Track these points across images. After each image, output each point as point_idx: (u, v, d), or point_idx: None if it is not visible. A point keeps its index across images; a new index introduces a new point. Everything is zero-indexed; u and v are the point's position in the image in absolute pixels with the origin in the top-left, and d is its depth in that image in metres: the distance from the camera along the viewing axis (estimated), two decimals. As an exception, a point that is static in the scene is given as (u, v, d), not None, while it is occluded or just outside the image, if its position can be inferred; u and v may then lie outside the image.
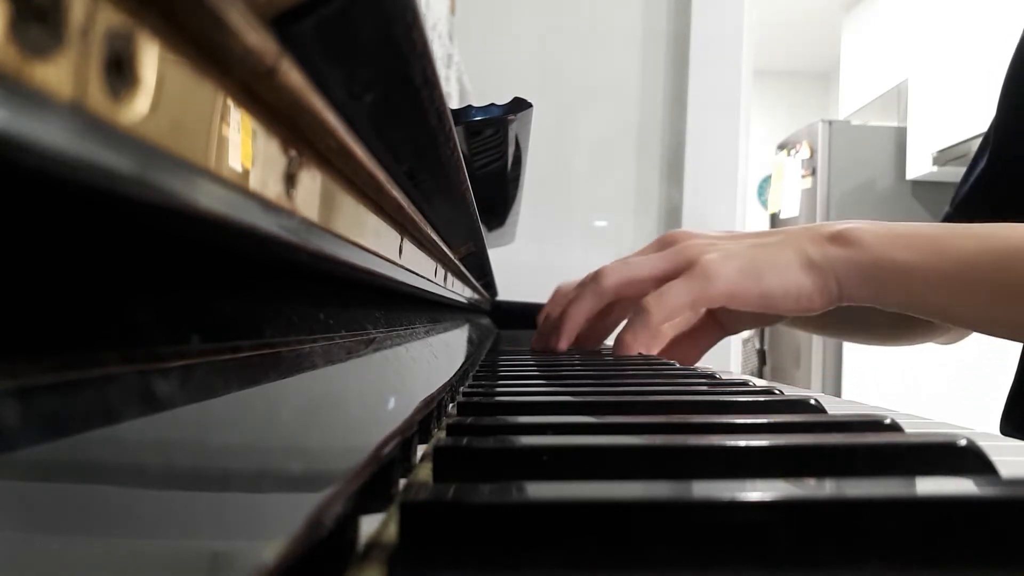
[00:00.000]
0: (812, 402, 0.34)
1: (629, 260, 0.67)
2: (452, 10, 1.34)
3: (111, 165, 0.09)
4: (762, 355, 3.91)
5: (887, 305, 0.58)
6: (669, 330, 0.75)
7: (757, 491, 0.16)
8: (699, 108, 1.69)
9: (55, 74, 0.07)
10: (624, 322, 0.66)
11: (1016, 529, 0.15)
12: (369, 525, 0.17)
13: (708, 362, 0.69)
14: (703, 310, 0.73)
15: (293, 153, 0.15)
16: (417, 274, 0.35)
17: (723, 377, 0.49)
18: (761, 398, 0.35)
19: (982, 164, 0.77)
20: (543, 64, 1.72)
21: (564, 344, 0.68)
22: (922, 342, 0.82)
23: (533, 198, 1.54)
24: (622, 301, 0.68)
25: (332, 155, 0.18)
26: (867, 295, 0.58)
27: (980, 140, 0.80)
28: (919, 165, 3.31)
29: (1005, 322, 0.55)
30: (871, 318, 0.73)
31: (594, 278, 0.67)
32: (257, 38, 0.12)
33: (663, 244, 0.66)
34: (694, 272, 0.60)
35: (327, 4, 0.14)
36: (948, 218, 0.78)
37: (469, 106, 0.58)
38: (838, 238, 0.58)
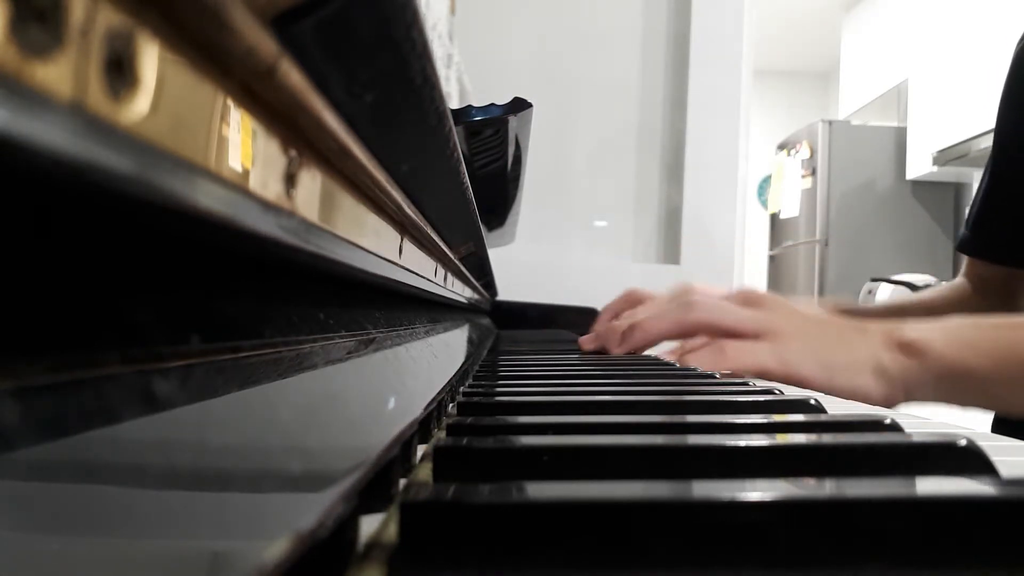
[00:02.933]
0: (812, 402, 0.34)
1: (721, 304, 0.68)
2: (452, 10, 1.34)
3: (111, 165, 0.09)
4: (762, 355, 3.90)
5: (963, 405, 0.63)
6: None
7: (757, 491, 0.16)
8: (699, 108, 1.68)
9: (55, 74, 0.07)
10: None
11: (1016, 529, 0.15)
12: (369, 525, 0.17)
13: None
14: None
15: (293, 153, 0.15)
16: (417, 274, 0.35)
17: (723, 377, 0.49)
18: (761, 398, 0.35)
19: (987, 182, 0.78)
20: (543, 64, 1.72)
21: (624, 351, 0.70)
22: None
23: (533, 198, 1.54)
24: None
25: (332, 155, 0.18)
26: (939, 398, 0.62)
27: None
28: (919, 165, 3.31)
29: None
30: None
31: (685, 307, 0.69)
32: (257, 38, 0.12)
33: (748, 301, 0.69)
34: (773, 346, 0.63)
35: (327, 4, 0.14)
36: (965, 240, 0.80)
37: (469, 106, 0.58)
38: (908, 348, 0.61)
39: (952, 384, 0.60)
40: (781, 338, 0.64)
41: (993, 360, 0.59)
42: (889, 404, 0.61)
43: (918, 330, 0.62)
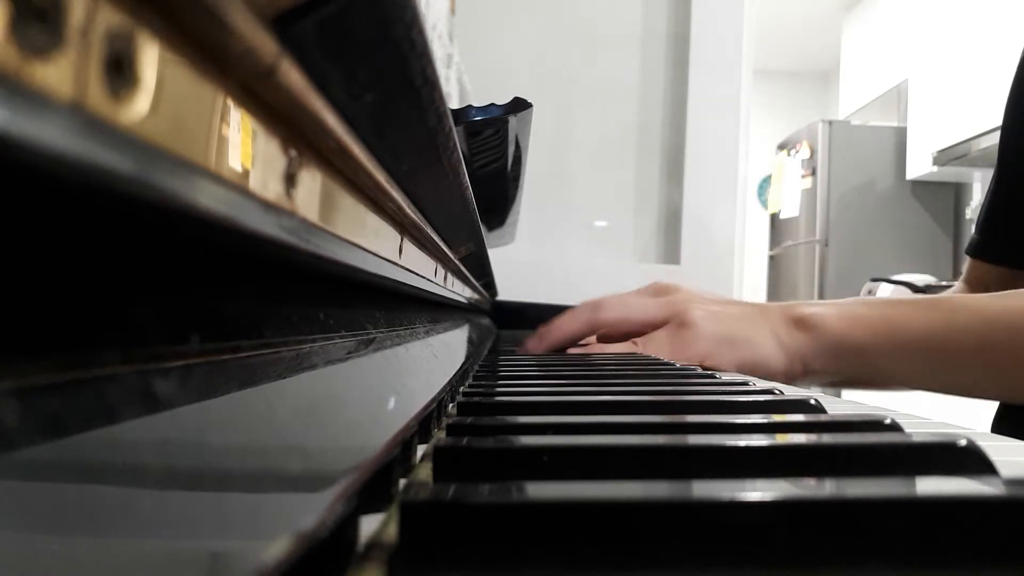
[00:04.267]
0: (812, 402, 0.34)
1: (626, 299, 0.76)
2: (452, 10, 1.34)
3: (111, 165, 0.09)
4: (762, 355, 3.90)
5: (848, 376, 0.68)
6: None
7: (757, 491, 0.16)
8: (699, 108, 1.68)
9: (55, 74, 0.07)
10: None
11: (1016, 529, 0.15)
12: (369, 525, 0.17)
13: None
14: None
15: (293, 153, 0.15)
16: (417, 274, 0.35)
17: (723, 377, 0.49)
18: (761, 398, 0.35)
19: (994, 185, 0.78)
20: (543, 64, 1.72)
21: (541, 351, 0.76)
22: None
23: (533, 198, 1.54)
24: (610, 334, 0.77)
25: (332, 155, 0.18)
26: (830, 369, 0.67)
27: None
28: (919, 165, 3.31)
29: (955, 387, 0.63)
30: None
31: (592, 307, 0.76)
32: (257, 38, 0.12)
33: (657, 291, 0.76)
34: (679, 330, 0.70)
35: (327, 4, 0.14)
36: (975, 244, 0.81)
37: (469, 106, 0.58)
38: (802, 322, 0.67)
39: (839, 356, 0.65)
40: (687, 321, 0.69)
41: (876, 334, 0.63)
42: (789, 376, 0.67)
43: (813, 307, 0.67)
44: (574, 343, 0.77)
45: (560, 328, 0.75)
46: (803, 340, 0.66)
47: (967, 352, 0.59)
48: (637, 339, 0.72)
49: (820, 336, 0.65)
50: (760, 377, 0.67)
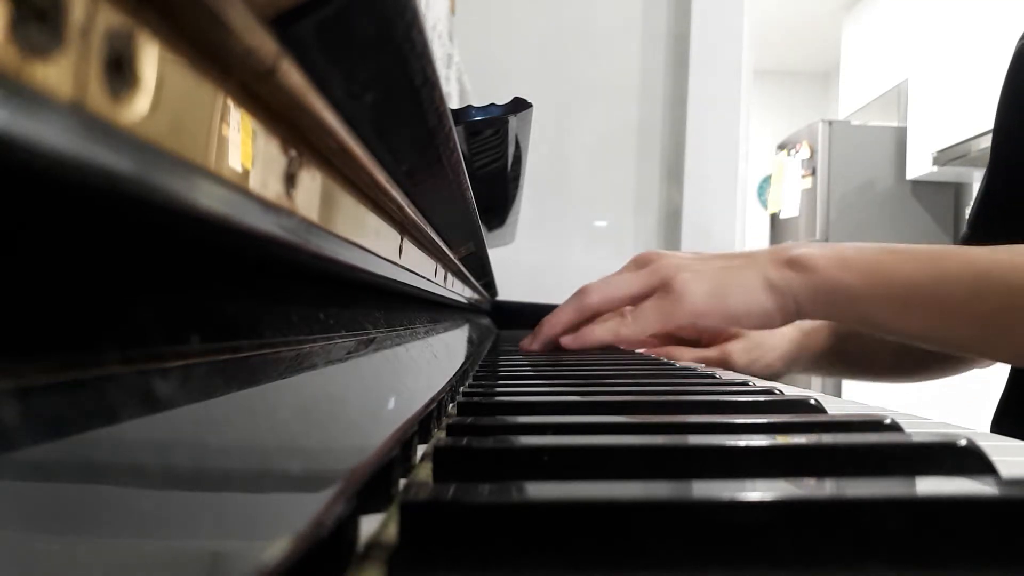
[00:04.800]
0: (812, 402, 0.34)
1: (609, 279, 0.74)
2: (452, 10, 1.34)
3: (111, 165, 0.09)
4: (762, 355, 3.90)
5: (841, 321, 0.67)
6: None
7: (757, 491, 0.16)
8: (699, 108, 1.68)
9: (55, 74, 0.07)
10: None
11: (1016, 529, 0.15)
12: (369, 525, 0.17)
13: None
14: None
15: (293, 153, 0.15)
16: (417, 274, 0.35)
17: (723, 377, 0.49)
18: (761, 398, 0.35)
19: (986, 181, 0.79)
20: (543, 64, 1.72)
21: (536, 349, 0.76)
22: (927, 378, 0.85)
23: (533, 198, 1.54)
24: (603, 315, 0.75)
25: (332, 155, 0.18)
26: (821, 313, 0.65)
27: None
28: (919, 165, 3.31)
29: (944, 339, 0.62)
30: (873, 354, 0.79)
31: (577, 295, 0.75)
32: (257, 38, 0.12)
33: (639, 263, 0.74)
34: (666, 295, 0.68)
35: (327, 4, 0.14)
36: (966, 239, 0.81)
37: (469, 106, 0.58)
38: (793, 263, 0.65)
39: (828, 298, 0.63)
40: (673, 283, 0.68)
41: (864, 277, 0.62)
42: (784, 317, 0.66)
43: (804, 247, 0.66)
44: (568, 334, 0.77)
45: (551, 324, 0.75)
46: (795, 279, 0.64)
47: (957, 303, 0.58)
48: (626, 312, 0.71)
49: (812, 277, 0.64)
50: (757, 323, 0.66)
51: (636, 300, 0.71)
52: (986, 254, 0.58)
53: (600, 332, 0.71)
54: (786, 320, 0.66)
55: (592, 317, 0.74)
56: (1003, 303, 0.56)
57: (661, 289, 0.69)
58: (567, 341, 0.74)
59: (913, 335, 0.63)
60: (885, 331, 0.64)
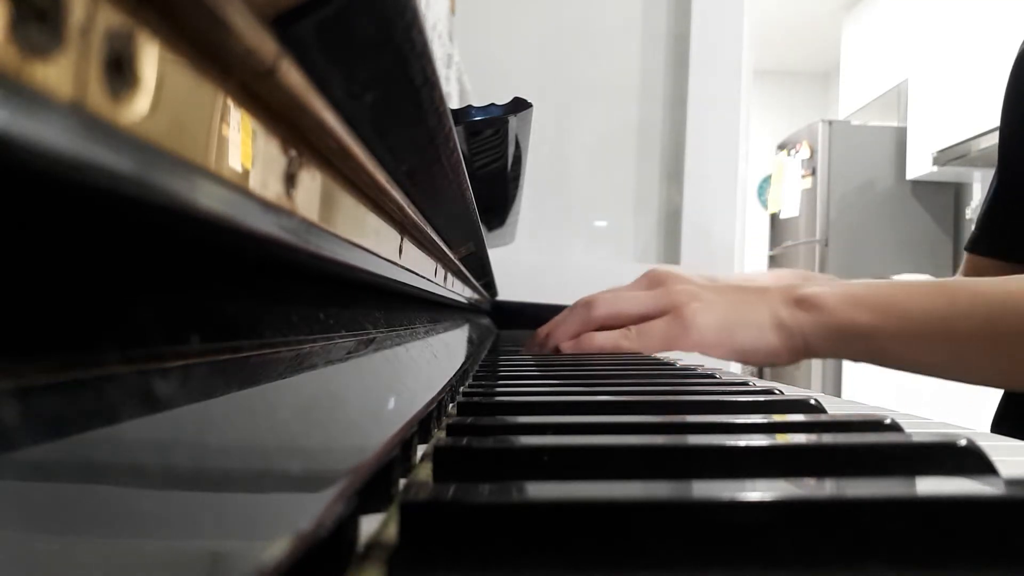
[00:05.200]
0: (812, 402, 0.34)
1: (619, 294, 0.74)
2: (452, 10, 1.34)
3: (111, 165, 0.09)
4: (762, 355, 3.90)
5: (852, 359, 0.66)
6: None
7: (757, 491, 0.16)
8: (699, 108, 1.68)
9: (55, 74, 0.07)
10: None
11: (1016, 529, 0.15)
12: (369, 525, 0.17)
13: (709, 362, 0.70)
14: None
15: (293, 153, 0.15)
16: (417, 274, 0.35)
17: (723, 377, 0.49)
18: (761, 398, 0.35)
19: (995, 184, 0.79)
20: (543, 64, 1.72)
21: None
22: None
23: (533, 198, 1.54)
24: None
25: (332, 155, 0.18)
26: (831, 351, 0.66)
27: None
28: (919, 165, 3.31)
29: (962, 373, 0.63)
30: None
31: (585, 305, 0.74)
32: (257, 38, 0.12)
33: (652, 282, 0.75)
34: (675, 320, 0.69)
35: (327, 4, 0.14)
36: (975, 240, 0.81)
37: (469, 106, 0.58)
38: (803, 302, 0.66)
39: (841, 336, 0.64)
40: (684, 310, 0.68)
41: (877, 314, 0.62)
42: (790, 356, 0.67)
43: (814, 287, 0.66)
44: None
45: (556, 335, 0.75)
46: (806, 319, 0.65)
47: (970, 337, 0.58)
48: (631, 327, 0.71)
49: (822, 316, 0.64)
50: (763, 359, 0.67)
51: (643, 320, 0.71)
52: (998, 284, 0.59)
53: (601, 340, 0.72)
54: (793, 359, 0.67)
55: (597, 330, 0.74)
56: (1019, 332, 0.56)
57: (671, 314, 0.69)
58: (567, 346, 0.75)
59: (929, 369, 0.64)
60: (900, 366, 0.65)
